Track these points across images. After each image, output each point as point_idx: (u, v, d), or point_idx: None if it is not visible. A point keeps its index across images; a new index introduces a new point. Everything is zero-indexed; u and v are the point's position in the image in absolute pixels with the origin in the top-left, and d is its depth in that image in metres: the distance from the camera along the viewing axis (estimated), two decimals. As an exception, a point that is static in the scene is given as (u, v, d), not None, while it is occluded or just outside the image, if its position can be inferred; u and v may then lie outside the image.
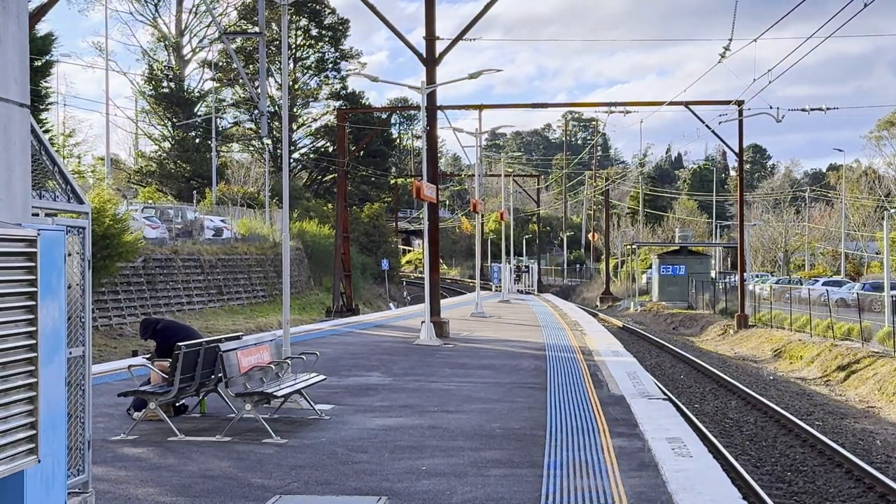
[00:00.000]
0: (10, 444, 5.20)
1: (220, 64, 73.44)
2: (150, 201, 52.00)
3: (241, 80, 69.82)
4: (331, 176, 76.53)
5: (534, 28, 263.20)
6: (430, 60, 29.01)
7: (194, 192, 61.53)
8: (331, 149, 76.19)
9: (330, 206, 73.42)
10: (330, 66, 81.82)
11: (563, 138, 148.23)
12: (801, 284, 50.50)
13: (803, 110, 43.05)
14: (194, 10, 72.87)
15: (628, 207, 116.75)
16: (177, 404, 13.02)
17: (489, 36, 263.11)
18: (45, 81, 40.02)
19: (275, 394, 11.92)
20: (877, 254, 70.80)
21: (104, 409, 13.33)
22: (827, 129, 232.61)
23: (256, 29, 30.36)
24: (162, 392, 11.90)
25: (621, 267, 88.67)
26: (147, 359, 13.33)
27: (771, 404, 22.38)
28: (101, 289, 32.83)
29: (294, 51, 79.37)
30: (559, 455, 10.65)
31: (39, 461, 5.43)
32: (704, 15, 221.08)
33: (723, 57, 31.17)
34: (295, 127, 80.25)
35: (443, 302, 35.39)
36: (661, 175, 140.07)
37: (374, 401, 14.79)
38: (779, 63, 46.58)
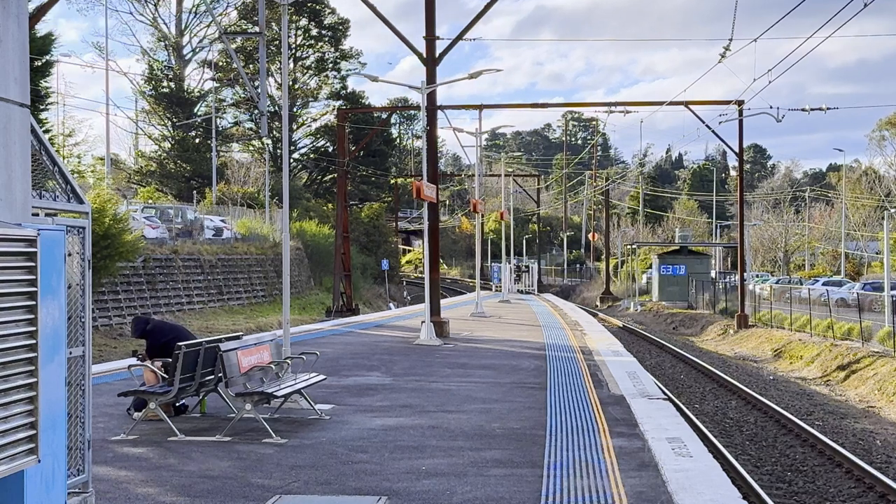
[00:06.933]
0: (10, 443, 5.20)
1: (220, 64, 73.41)
2: (150, 201, 52.00)
3: (241, 80, 69.79)
4: (331, 176, 76.54)
5: (591, 23, 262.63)
6: (430, 60, 29.01)
7: (194, 192, 61.55)
8: (331, 149, 76.21)
9: (330, 205, 73.41)
10: (330, 65, 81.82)
11: (564, 138, 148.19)
12: (801, 284, 50.49)
13: (803, 110, 43.10)
14: (194, 9, 72.95)
15: (628, 207, 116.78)
16: (177, 404, 13.01)
17: (544, 34, 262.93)
18: (45, 81, 39.97)
19: (275, 394, 11.92)
20: (877, 254, 70.81)
21: (104, 409, 13.33)
22: (845, 129, 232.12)
23: (256, 29, 30.33)
24: (162, 392, 11.90)
25: (621, 267, 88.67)
26: (140, 359, 13.25)
27: (771, 404, 22.37)
28: (101, 289, 32.82)
29: (294, 51, 79.35)
30: (559, 455, 10.65)
31: (39, 461, 5.43)
32: (754, 12, 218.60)
33: (723, 57, 31.17)
34: (295, 127, 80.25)
35: (443, 302, 35.39)
36: (661, 175, 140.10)
37: (375, 401, 14.78)
38: (778, 63, 46.42)
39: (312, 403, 13.27)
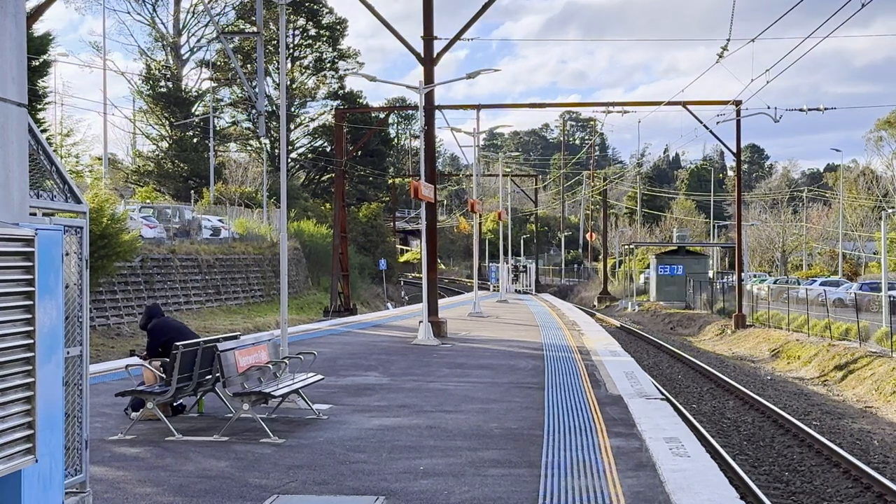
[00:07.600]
0: (7, 443, 5.19)
1: (218, 63, 73.41)
2: (147, 201, 51.99)
3: (238, 80, 69.77)
4: (328, 175, 76.51)
5: (621, 20, 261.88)
6: (428, 60, 28.99)
7: (192, 191, 61.51)
8: (328, 148, 76.17)
9: (328, 205, 73.38)
10: (328, 65, 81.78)
11: (561, 138, 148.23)
12: (799, 284, 50.52)
13: (800, 110, 43.13)
14: (192, 9, 72.94)
15: (626, 207, 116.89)
16: (174, 404, 13.00)
17: (573, 31, 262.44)
18: (43, 81, 39.98)
19: (272, 393, 11.91)
20: (874, 254, 70.89)
21: (102, 409, 13.32)
22: (851, 129, 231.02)
23: (254, 28, 30.34)
24: (159, 392, 11.89)
25: (619, 267, 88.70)
26: (142, 357, 13.27)
27: (768, 404, 22.39)
28: (98, 288, 32.81)
29: (292, 50, 79.30)
30: (557, 455, 10.65)
31: (37, 461, 5.42)
32: (767, 11, 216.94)
33: (720, 56, 31.19)
34: (293, 126, 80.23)
35: (441, 302, 35.41)
36: (658, 175, 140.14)
37: (372, 400, 14.78)
38: (776, 63, 46.50)
39: (310, 403, 13.27)
